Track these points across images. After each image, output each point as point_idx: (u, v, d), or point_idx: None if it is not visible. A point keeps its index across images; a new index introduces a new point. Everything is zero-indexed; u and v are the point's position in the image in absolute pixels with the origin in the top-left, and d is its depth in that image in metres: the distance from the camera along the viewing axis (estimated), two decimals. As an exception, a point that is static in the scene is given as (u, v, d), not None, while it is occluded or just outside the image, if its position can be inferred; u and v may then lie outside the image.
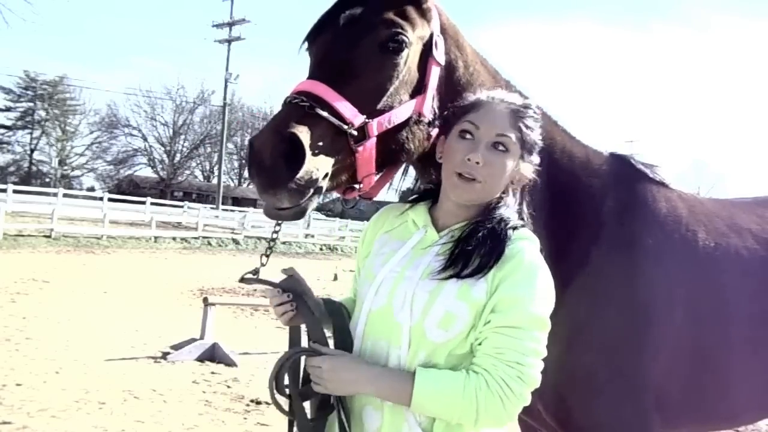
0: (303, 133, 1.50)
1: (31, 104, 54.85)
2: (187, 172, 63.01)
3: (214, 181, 57.43)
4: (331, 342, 1.54)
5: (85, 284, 11.86)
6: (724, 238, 2.10)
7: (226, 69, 46.07)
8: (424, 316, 1.42)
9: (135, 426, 4.84)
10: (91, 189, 54.71)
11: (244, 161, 64.73)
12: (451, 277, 1.42)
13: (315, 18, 1.77)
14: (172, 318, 9.37)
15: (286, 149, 1.48)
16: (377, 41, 1.68)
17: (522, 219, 1.56)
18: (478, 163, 1.47)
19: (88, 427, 4.69)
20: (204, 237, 26.43)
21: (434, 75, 1.79)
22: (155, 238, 23.94)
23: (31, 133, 55.22)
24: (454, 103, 1.65)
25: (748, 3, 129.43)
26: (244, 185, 67.62)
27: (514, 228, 1.48)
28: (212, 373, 6.64)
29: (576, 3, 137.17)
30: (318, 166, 1.53)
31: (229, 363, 7.03)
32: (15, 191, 23.39)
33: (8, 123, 54.59)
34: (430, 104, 1.78)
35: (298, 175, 1.49)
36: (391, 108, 1.68)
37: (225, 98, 47.15)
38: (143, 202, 29.61)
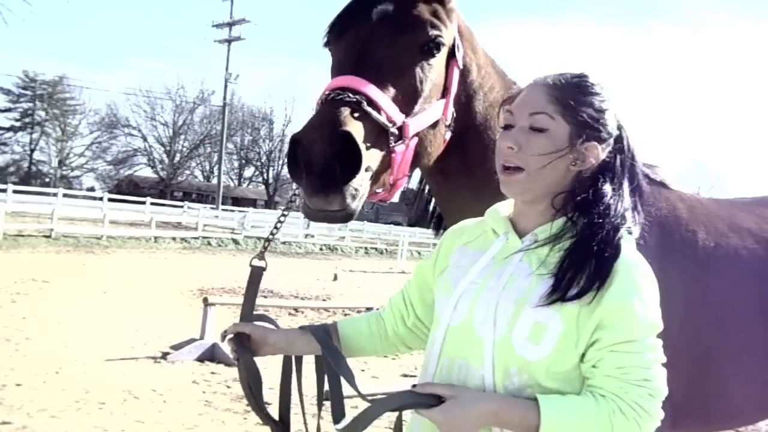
0: (357, 132, 1.41)
1: (30, 104, 54.95)
2: (187, 172, 63.08)
3: (214, 181, 57.43)
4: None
5: (85, 284, 11.85)
6: (724, 238, 2.10)
7: (226, 69, 46.14)
8: (511, 329, 1.27)
9: (135, 426, 4.83)
10: (91, 189, 54.72)
11: (244, 161, 64.90)
12: (556, 301, 1.25)
13: (334, 13, 1.71)
14: (172, 318, 9.35)
15: (340, 148, 1.38)
16: (419, 42, 1.64)
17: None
18: (512, 148, 1.31)
19: (88, 427, 4.68)
20: (204, 237, 26.39)
21: (455, 78, 1.76)
22: (155, 238, 23.91)
23: (30, 134, 55.33)
24: (459, 109, 1.61)
25: (744, 4, 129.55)
26: (244, 185, 67.65)
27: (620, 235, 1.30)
28: (212, 373, 6.63)
29: (576, 3, 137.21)
30: (369, 167, 1.46)
31: (229, 363, 7.01)
32: (15, 191, 23.41)
33: (8, 123, 54.71)
34: (451, 108, 1.75)
35: (355, 178, 1.40)
36: (423, 110, 1.64)
37: (225, 98, 47.23)
38: (143, 202, 29.59)
